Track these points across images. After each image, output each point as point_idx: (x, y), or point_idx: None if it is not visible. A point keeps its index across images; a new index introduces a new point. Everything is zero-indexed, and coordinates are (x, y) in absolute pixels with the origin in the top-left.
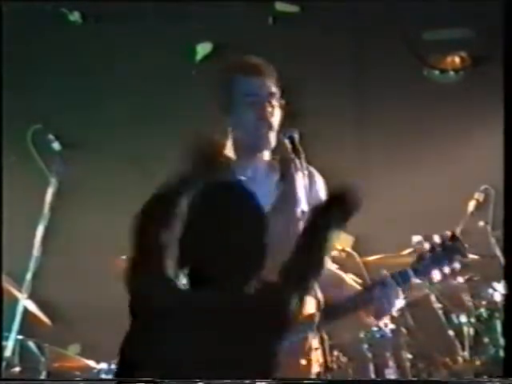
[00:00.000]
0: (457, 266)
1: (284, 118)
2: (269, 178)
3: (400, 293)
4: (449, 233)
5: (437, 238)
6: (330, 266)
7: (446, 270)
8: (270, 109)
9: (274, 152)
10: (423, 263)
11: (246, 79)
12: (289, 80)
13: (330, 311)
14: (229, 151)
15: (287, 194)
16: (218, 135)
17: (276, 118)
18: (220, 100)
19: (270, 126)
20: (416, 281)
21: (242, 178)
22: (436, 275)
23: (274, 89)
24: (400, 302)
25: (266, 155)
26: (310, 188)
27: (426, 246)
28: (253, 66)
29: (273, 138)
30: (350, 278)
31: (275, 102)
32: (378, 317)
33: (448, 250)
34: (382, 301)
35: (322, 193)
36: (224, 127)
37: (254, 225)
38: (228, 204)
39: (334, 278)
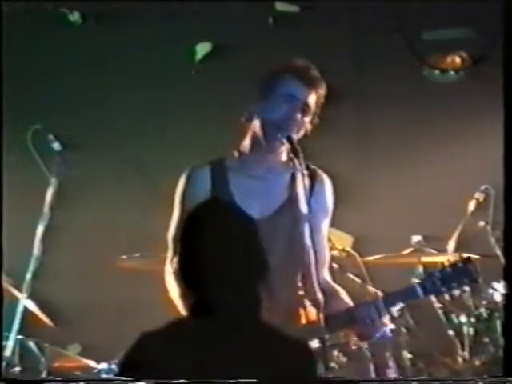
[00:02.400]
0: (466, 289)
1: (310, 131)
2: (280, 178)
3: (386, 317)
4: (462, 255)
5: (451, 258)
6: (328, 278)
7: (456, 292)
8: (298, 116)
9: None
10: (432, 281)
11: (295, 81)
12: None
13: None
14: (245, 145)
15: (292, 199)
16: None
17: (300, 127)
18: (262, 87)
19: (291, 130)
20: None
21: (253, 173)
22: (444, 296)
23: (313, 102)
24: (385, 327)
25: (281, 157)
26: (311, 190)
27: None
28: (308, 74)
29: (286, 143)
30: (344, 293)
31: (308, 114)
32: (362, 338)
33: (458, 272)
34: (366, 323)
35: (329, 200)
36: (249, 113)
37: (246, 237)
38: (218, 223)
39: (331, 290)
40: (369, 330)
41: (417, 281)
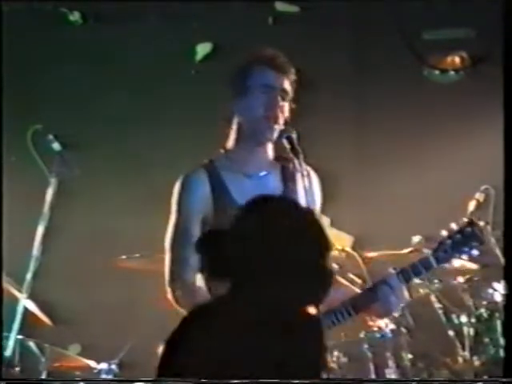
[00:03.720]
0: (475, 252)
1: (289, 118)
2: (270, 175)
3: (405, 290)
4: (466, 219)
5: (454, 225)
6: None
7: (465, 256)
8: (280, 103)
9: (275, 151)
10: (444, 249)
11: (267, 71)
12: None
13: (333, 314)
14: (230, 141)
15: (289, 189)
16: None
17: (283, 114)
18: (234, 82)
19: (276, 119)
20: (436, 268)
21: (245, 173)
22: (455, 262)
23: (288, 87)
24: (406, 299)
25: (268, 151)
26: (309, 188)
27: (445, 233)
28: (276, 60)
29: (275, 132)
30: (345, 280)
31: (286, 100)
32: (384, 315)
33: (467, 237)
34: (388, 299)
35: (317, 192)
36: (230, 111)
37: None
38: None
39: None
40: (389, 306)
41: (428, 251)
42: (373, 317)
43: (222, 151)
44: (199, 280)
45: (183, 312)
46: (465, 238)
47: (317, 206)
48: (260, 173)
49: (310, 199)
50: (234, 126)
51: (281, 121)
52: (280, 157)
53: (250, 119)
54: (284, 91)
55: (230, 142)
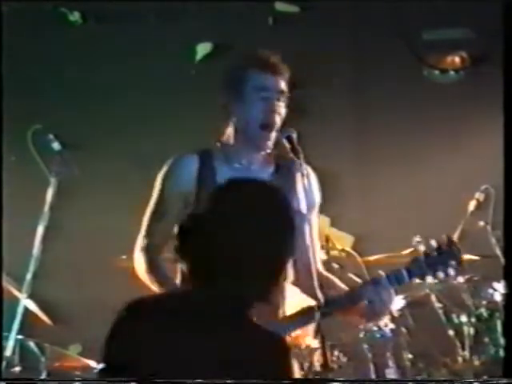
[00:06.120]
0: (451, 272)
1: (287, 117)
2: (263, 169)
3: (393, 293)
4: (445, 237)
5: (433, 242)
6: (321, 269)
7: (441, 275)
8: (277, 107)
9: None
10: (418, 265)
11: (262, 74)
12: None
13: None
14: (227, 137)
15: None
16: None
17: (281, 116)
18: (229, 86)
19: (273, 128)
20: (408, 282)
21: (237, 165)
22: (429, 279)
23: (284, 88)
24: (393, 303)
25: (267, 149)
26: (308, 188)
27: (422, 248)
28: (270, 62)
29: (273, 137)
30: (338, 281)
31: (283, 101)
32: (370, 317)
33: (444, 255)
34: (374, 300)
35: (316, 192)
36: (227, 114)
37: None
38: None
39: (326, 280)
40: (376, 306)
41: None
42: (358, 318)
43: (219, 144)
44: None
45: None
46: (441, 256)
47: (316, 205)
48: (251, 166)
49: (309, 199)
50: (232, 125)
51: (278, 123)
52: (278, 156)
53: (246, 126)
54: (281, 92)
55: (226, 138)
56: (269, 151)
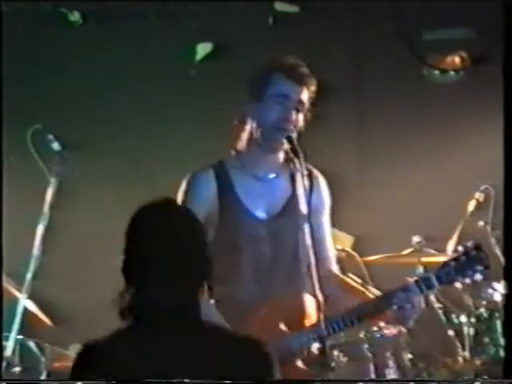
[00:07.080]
0: (478, 277)
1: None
2: (281, 177)
3: (422, 299)
4: (471, 243)
5: (460, 247)
6: (337, 271)
7: (468, 280)
8: (293, 116)
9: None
10: (447, 271)
11: (285, 80)
12: None
13: (345, 318)
14: (242, 143)
15: (294, 197)
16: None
17: (297, 126)
18: (251, 87)
19: (287, 131)
20: (437, 288)
21: (256, 174)
22: (457, 285)
23: (306, 99)
24: (422, 308)
25: (279, 155)
26: (311, 189)
27: (451, 254)
28: (297, 71)
29: (289, 141)
30: (359, 285)
31: (301, 112)
32: (399, 322)
33: (471, 260)
34: (404, 306)
35: (325, 195)
36: (244, 113)
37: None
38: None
39: (343, 284)
40: (407, 313)
41: (432, 273)
42: (384, 323)
43: (233, 152)
44: None
45: None
46: (469, 262)
47: (325, 207)
48: (269, 175)
49: (316, 200)
50: (248, 129)
51: (294, 131)
52: (290, 159)
53: (261, 127)
54: (300, 102)
55: (242, 144)
56: (281, 155)
